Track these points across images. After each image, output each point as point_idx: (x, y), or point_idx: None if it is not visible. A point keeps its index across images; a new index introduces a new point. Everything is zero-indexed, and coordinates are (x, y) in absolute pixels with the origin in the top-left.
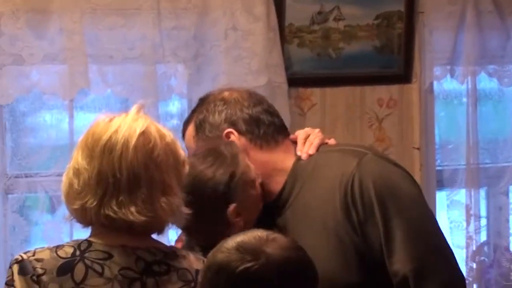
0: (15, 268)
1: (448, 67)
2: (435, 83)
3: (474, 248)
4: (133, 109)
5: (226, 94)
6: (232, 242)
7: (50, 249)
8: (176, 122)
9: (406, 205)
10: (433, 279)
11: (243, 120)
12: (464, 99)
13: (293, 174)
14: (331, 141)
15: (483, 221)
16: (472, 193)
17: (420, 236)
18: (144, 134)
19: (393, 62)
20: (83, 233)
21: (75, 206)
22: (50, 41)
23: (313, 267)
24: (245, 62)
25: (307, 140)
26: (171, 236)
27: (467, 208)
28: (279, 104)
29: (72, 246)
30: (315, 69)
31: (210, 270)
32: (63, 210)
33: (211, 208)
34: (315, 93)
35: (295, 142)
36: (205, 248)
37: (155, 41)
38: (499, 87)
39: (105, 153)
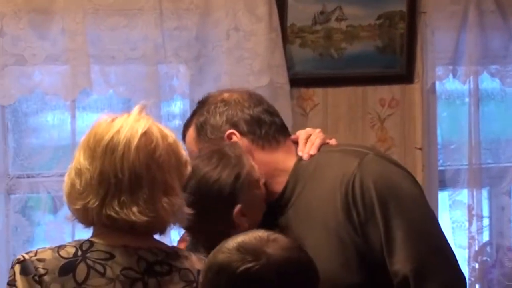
0: (17, 268)
1: (450, 67)
2: (437, 83)
3: (476, 248)
4: (135, 109)
5: (226, 95)
6: (232, 242)
7: (52, 249)
8: (179, 122)
9: (407, 206)
10: (434, 280)
11: (244, 121)
12: (466, 99)
13: (295, 174)
14: (332, 141)
15: (486, 221)
16: (475, 193)
17: (421, 237)
18: (146, 134)
19: (395, 62)
20: (85, 233)
21: (77, 206)
22: (52, 41)
23: (314, 267)
24: (247, 62)
25: (308, 140)
26: (173, 236)
27: (470, 208)
28: (281, 105)
29: (74, 246)
30: (317, 69)
31: (211, 271)
32: (65, 211)
33: (217, 210)
34: (317, 93)
35: (296, 142)
36: (210, 249)
37: (157, 41)
38: (501, 87)
39: (107, 154)
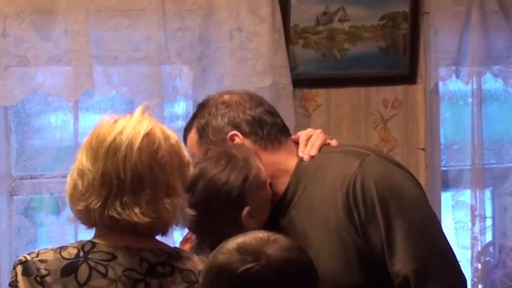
0: (19, 269)
1: (453, 67)
2: (440, 83)
3: (479, 249)
4: (138, 110)
5: (226, 97)
6: (232, 243)
7: (54, 250)
8: (182, 123)
9: (408, 206)
10: (435, 281)
11: (246, 122)
12: (469, 100)
13: (296, 175)
14: (333, 142)
15: (488, 222)
16: (477, 194)
17: (422, 238)
18: (148, 135)
19: (398, 62)
20: (88, 234)
21: (79, 207)
22: (55, 42)
23: (313, 268)
24: (250, 63)
25: (309, 141)
26: (176, 237)
27: (472, 209)
28: (284, 105)
29: (76, 247)
30: (320, 70)
31: (211, 272)
32: (68, 212)
33: (225, 212)
34: (320, 94)
35: (297, 142)
36: None
37: (160, 42)
38: (504, 88)
39: (109, 154)
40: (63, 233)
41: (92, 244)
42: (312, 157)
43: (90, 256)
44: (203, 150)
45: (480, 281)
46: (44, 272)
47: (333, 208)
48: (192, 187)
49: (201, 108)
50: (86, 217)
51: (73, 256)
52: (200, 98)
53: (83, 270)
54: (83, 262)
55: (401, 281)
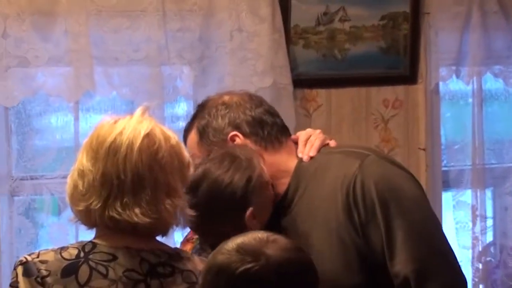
0: (20, 270)
1: (454, 67)
2: (440, 83)
3: (480, 249)
4: (138, 111)
5: (226, 98)
6: (232, 243)
7: (54, 251)
8: (182, 124)
9: (408, 207)
10: (435, 281)
11: (247, 123)
12: (470, 100)
13: (296, 175)
14: (332, 142)
15: (489, 222)
16: (478, 194)
17: (422, 238)
18: (148, 136)
19: (399, 63)
20: (89, 235)
21: (80, 208)
22: (55, 43)
23: (313, 268)
24: (251, 63)
25: (308, 142)
26: (177, 238)
27: (473, 209)
28: (285, 106)
29: (77, 247)
30: (320, 70)
31: (210, 272)
32: (69, 212)
33: (229, 213)
34: (321, 94)
35: (296, 142)
36: None
37: (160, 43)
38: (505, 88)
39: (110, 155)
40: (64, 233)
41: (93, 244)
42: (311, 157)
43: (90, 256)
44: (203, 151)
45: (481, 281)
46: (44, 272)
47: (333, 208)
48: (196, 188)
49: (201, 109)
50: (87, 218)
51: (73, 257)
52: (201, 99)
53: (84, 271)
54: (84, 262)
55: (401, 282)
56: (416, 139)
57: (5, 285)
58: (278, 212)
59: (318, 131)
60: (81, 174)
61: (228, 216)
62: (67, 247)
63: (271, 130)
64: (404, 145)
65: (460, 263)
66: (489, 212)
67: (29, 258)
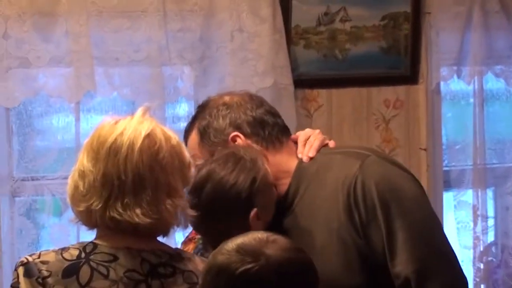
0: (21, 270)
1: (455, 67)
2: (442, 83)
3: (481, 249)
4: (139, 111)
5: (227, 98)
6: (232, 244)
7: (55, 251)
8: (183, 124)
9: (409, 207)
10: (435, 281)
11: (248, 123)
12: (471, 100)
13: (297, 175)
14: (331, 143)
15: (491, 222)
16: (479, 194)
17: (423, 238)
18: (149, 136)
19: (400, 63)
20: (90, 235)
21: (81, 209)
22: (56, 44)
23: (313, 268)
24: (251, 63)
25: (307, 142)
26: (178, 238)
27: (474, 209)
28: (286, 106)
29: (78, 248)
30: (321, 71)
31: (210, 272)
32: (70, 213)
33: (233, 214)
34: (322, 95)
35: (296, 142)
36: None
37: (161, 43)
38: (506, 87)
39: (110, 155)
40: (65, 234)
41: (94, 245)
42: (311, 158)
43: (91, 257)
44: (204, 151)
45: (482, 281)
46: (45, 273)
47: (334, 209)
48: (200, 189)
49: (202, 109)
50: (87, 218)
51: (74, 258)
52: (202, 99)
53: (85, 271)
54: (85, 263)
55: (402, 282)
56: (417, 139)
57: (6, 286)
58: (279, 212)
59: (317, 131)
60: (82, 174)
61: (233, 217)
62: (68, 248)
63: (272, 130)
64: (405, 145)
65: (461, 263)
66: (490, 212)
67: (30, 259)
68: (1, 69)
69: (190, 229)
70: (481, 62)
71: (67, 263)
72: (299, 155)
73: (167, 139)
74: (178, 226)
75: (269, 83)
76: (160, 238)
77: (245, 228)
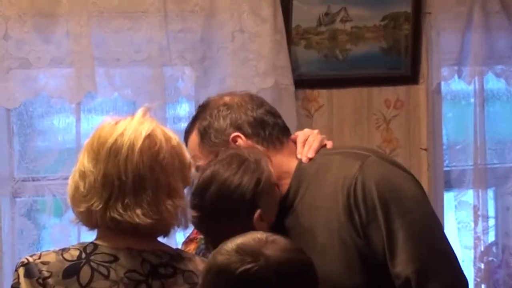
0: (21, 271)
1: (456, 67)
2: (442, 83)
3: (482, 249)
4: (139, 112)
5: (227, 99)
6: (231, 244)
7: (56, 252)
8: (184, 125)
9: (409, 208)
10: (435, 282)
11: (248, 123)
12: (472, 100)
13: (297, 176)
14: (329, 144)
15: (491, 222)
16: (480, 194)
17: (423, 239)
18: (149, 137)
19: (400, 63)
20: (91, 236)
21: (81, 209)
22: (57, 44)
23: (313, 269)
24: (252, 64)
25: (306, 143)
26: (179, 238)
27: (475, 209)
28: (286, 106)
29: (78, 249)
30: (322, 71)
31: (210, 272)
32: (71, 214)
33: (237, 215)
34: (322, 95)
35: (295, 142)
36: None
37: (162, 43)
38: (507, 88)
39: (111, 156)
40: (66, 235)
41: (94, 245)
42: (310, 159)
43: (92, 257)
44: (205, 152)
45: (483, 281)
46: (46, 274)
47: (334, 209)
48: (204, 190)
49: (202, 110)
50: (88, 219)
51: (75, 258)
52: (203, 100)
53: (85, 272)
54: (85, 263)
55: (402, 283)
56: (417, 139)
57: (6, 287)
58: (280, 213)
59: (316, 131)
60: (82, 175)
61: (236, 218)
62: (69, 248)
63: (272, 130)
64: (406, 145)
65: (462, 263)
66: (491, 212)
67: (30, 259)
68: (1, 70)
69: (190, 229)
70: (482, 62)
71: (67, 264)
72: (298, 156)
73: (168, 139)
74: (178, 226)
75: (270, 83)
76: (160, 239)
77: (249, 229)
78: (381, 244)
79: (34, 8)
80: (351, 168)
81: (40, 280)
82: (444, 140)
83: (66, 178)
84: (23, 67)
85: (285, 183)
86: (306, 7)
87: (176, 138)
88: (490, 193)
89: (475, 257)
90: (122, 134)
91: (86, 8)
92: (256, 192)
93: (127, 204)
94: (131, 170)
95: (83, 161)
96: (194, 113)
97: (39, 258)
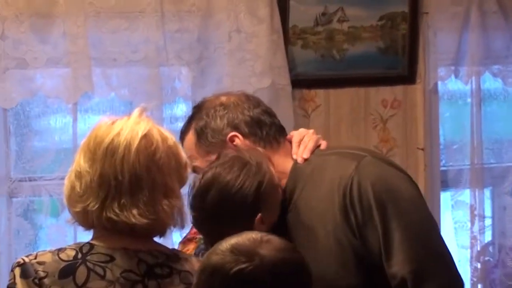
0: (17, 271)
1: (453, 67)
2: (439, 83)
3: (478, 248)
4: (135, 112)
5: (223, 98)
6: (226, 244)
7: (52, 252)
8: (181, 124)
9: (405, 208)
10: (432, 282)
11: (245, 123)
12: (469, 100)
13: (293, 176)
14: (323, 144)
15: (488, 221)
16: (477, 193)
17: (419, 239)
18: (146, 137)
19: (397, 63)
20: (87, 236)
21: (77, 209)
22: (53, 44)
23: (307, 268)
24: (249, 64)
25: (302, 143)
26: (175, 239)
27: (472, 209)
28: (283, 106)
29: (74, 249)
30: (319, 71)
31: (205, 272)
32: (67, 214)
33: (239, 217)
34: (319, 95)
35: (291, 142)
36: None
37: (158, 44)
38: (504, 87)
39: (107, 156)
40: (62, 235)
41: (90, 246)
42: (305, 160)
43: (88, 258)
44: (201, 152)
45: (479, 280)
46: (42, 274)
47: (330, 209)
48: (206, 192)
49: (198, 110)
50: (84, 219)
51: (71, 258)
52: (199, 100)
53: (81, 272)
54: (81, 264)
55: (398, 283)
56: (414, 139)
57: (3, 287)
58: None
59: (311, 131)
60: (79, 175)
61: (238, 221)
62: (65, 248)
63: (269, 130)
64: (403, 145)
65: (458, 263)
66: (488, 212)
67: (26, 260)
68: None
69: (187, 229)
70: (479, 62)
71: (63, 264)
72: (294, 156)
73: (164, 139)
74: (174, 226)
75: (266, 83)
76: (157, 239)
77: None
78: (377, 245)
79: (31, 8)
80: (347, 168)
81: (36, 280)
82: (441, 139)
83: (63, 178)
84: (20, 67)
85: (281, 184)
86: (303, 7)
87: (173, 138)
88: (487, 192)
89: (471, 257)
90: (118, 134)
91: (82, 8)
92: (257, 195)
93: (124, 204)
94: (128, 170)
95: (80, 161)
96: (189, 113)
97: (35, 258)
